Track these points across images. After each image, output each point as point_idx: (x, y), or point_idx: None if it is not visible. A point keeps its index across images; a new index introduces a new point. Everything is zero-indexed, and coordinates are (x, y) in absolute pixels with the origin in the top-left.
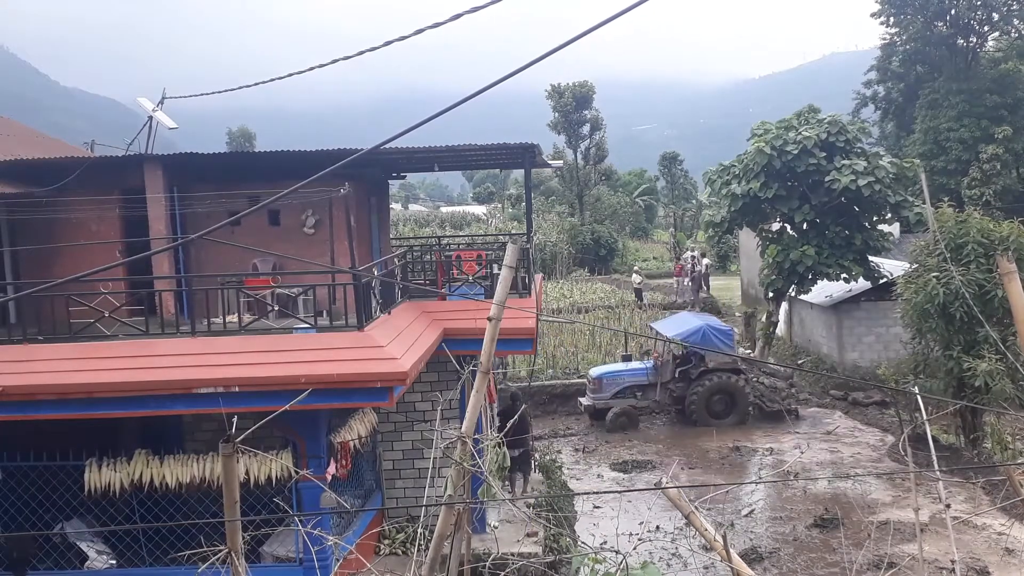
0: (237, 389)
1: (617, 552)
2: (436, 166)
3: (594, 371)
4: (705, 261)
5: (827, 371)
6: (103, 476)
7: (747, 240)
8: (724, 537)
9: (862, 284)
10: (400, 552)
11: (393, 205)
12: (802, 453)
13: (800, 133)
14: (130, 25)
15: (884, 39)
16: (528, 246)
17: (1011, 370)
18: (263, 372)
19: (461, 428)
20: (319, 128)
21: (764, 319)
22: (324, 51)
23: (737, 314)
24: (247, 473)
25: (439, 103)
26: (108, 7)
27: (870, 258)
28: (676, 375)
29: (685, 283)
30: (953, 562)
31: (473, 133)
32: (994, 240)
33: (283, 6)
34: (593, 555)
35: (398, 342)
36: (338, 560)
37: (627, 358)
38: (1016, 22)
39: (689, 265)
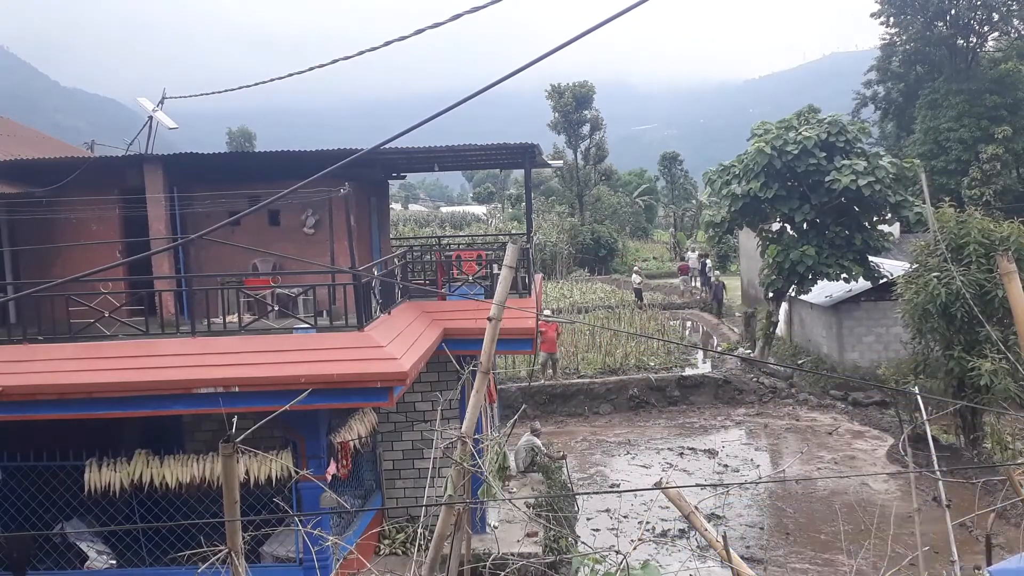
0: (237, 389)
1: (618, 552)
2: (436, 166)
3: None
4: (708, 263)
5: (827, 371)
6: (103, 476)
7: (747, 240)
8: (724, 537)
9: (862, 284)
10: (400, 552)
11: (393, 205)
12: (802, 453)
13: (800, 133)
14: (130, 25)
15: (884, 39)
16: (528, 246)
17: (1013, 369)
18: (263, 372)
19: (461, 428)
20: (319, 128)
21: (764, 319)
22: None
23: (737, 314)
24: (247, 473)
25: (438, 103)
26: (108, 7)
27: (870, 258)
28: None
29: (692, 283)
30: (953, 562)
31: (473, 133)
32: (994, 240)
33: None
34: (593, 555)
35: (398, 342)
36: (338, 560)
37: None
38: (1016, 22)
39: (698, 266)
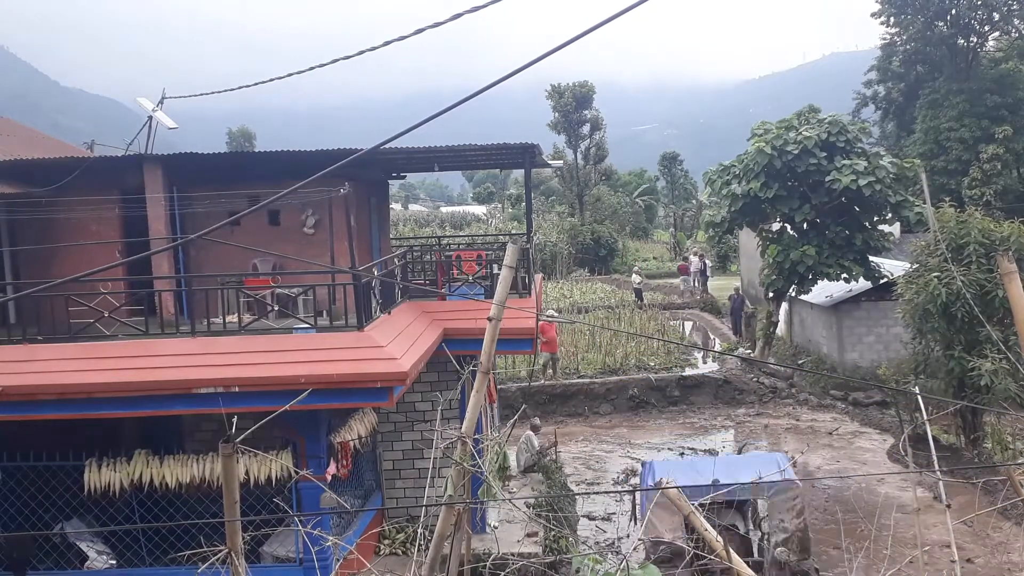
0: (237, 389)
1: (618, 552)
2: (436, 166)
3: None
4: (707, 261)
5: (827, 371)
6: (103, 476)
7: (747, 240)
8: (724, 538)
9: (862, 284)
10: (400, 552)
11: (393, 205)
12: (803, 454)
13: (800, 133)
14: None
15: (884, 39)
16: (528, 246)
17: (1013, 369)
18: (263, 372)
19: (461, 428)
20: (319, 128)
21: (764, 319)
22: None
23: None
24: (247, 473)
25: (436, 103)
26: (109, 8)
27: (870, 258)
28: None
29: (692, 282)
30: (953, 562)
31: (473, 133)
32: (995, 240)
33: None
34: (593, 555)
35: (398, 342)
36: (338, 560)
37: None
38: (1016, 22)
39: (699, 265)
